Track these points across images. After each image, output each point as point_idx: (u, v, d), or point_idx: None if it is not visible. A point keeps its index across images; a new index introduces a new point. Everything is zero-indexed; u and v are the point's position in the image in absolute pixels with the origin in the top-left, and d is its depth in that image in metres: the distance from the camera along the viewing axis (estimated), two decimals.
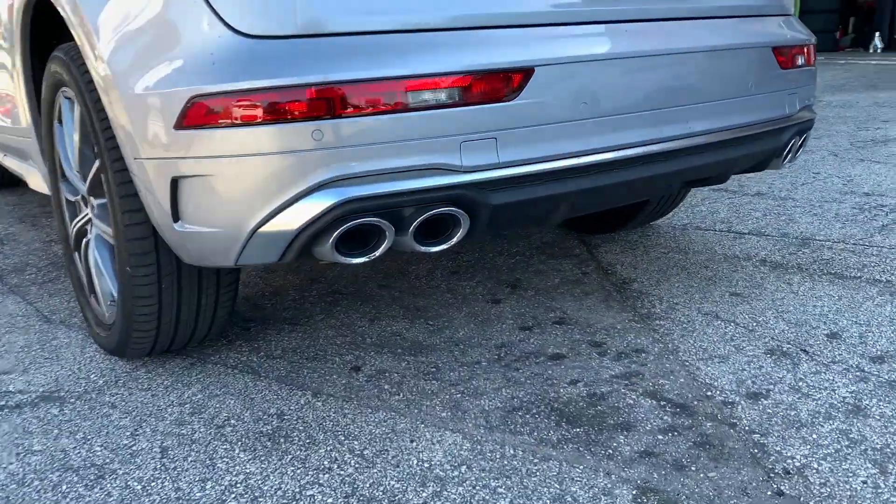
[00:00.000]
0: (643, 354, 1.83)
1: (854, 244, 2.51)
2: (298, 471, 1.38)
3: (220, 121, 1.29)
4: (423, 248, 1.42)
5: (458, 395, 1.66)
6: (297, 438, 1.49)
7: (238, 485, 1.35)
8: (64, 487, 1.36)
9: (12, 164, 2.73)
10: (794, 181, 3.40)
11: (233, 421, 1.56)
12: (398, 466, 1.39)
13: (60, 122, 1.93)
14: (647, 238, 2.74)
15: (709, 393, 1.63)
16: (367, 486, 1.33)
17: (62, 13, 1.61)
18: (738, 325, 1.95)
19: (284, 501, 1.29)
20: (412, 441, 1.47)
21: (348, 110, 1.28)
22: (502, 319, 2.08)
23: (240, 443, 1.48)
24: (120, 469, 1.40)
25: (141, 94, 1.38)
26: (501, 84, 1.38)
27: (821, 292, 2.12)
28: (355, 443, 1.47)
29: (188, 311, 1.71)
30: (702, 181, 1.98)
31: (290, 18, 1.28)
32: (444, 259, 2.60)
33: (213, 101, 1.29)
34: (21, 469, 1.42)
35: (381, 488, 1.33)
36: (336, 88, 1.27)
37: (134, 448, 1.47)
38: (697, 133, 1.67)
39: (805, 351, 1.78)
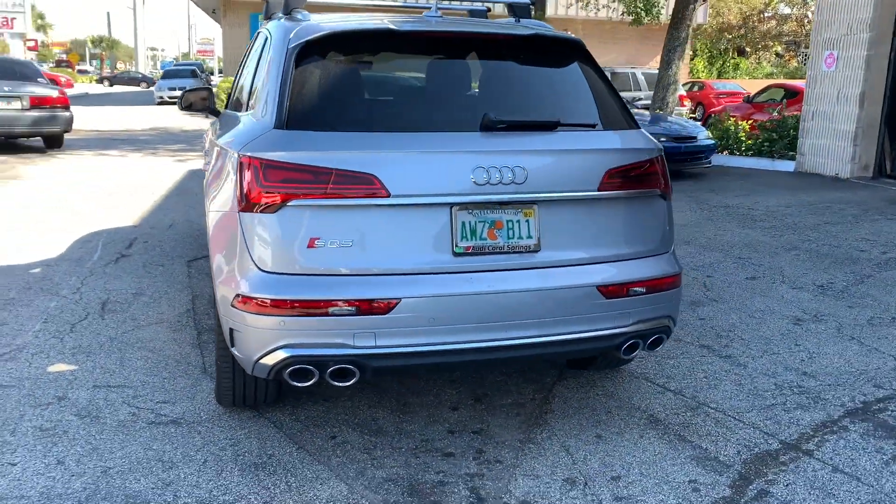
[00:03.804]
0: (501, 463, 2.93)
1: (728, 415, 3.32)
2: (256, 483, 2.73)
3: (246, 310, 2.69)
4: (335, 383, 2.71)
5: (370, 464, 2.90)
6: (269, 468, 2.83)
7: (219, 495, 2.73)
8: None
9: None
10: (778, 350, 4.10)
11: (246, 453, 2.95)
12: (290, 490, 2.68)
13: None
14: (605, 378, 3.72)
15: (504, 498, 2.71)
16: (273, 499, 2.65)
17: None
18: (572, 457, 2.96)
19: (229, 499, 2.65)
20: (320, 483, 2.75)
21: (298, 311, 2.62)
22: (447, 423, 3.25)
23: (240, 467, 2.86)
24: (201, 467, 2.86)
25: (218, 283, 2.85)
26: (380, 306, 2.64)
27: (650, 447, 3.04)
28: (291, 477, 2.78)
29: (250, 387, 3.15)
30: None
31: (284, 266, 2.65)
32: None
33: (252, 301, 2.68)
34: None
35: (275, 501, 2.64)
36: (291, 301, 2.62)
37: (195, 458, 2.92)
38: (517, 337, 2.76)
39: (586, 484, 2.78)
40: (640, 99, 17.96)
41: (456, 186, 2.71)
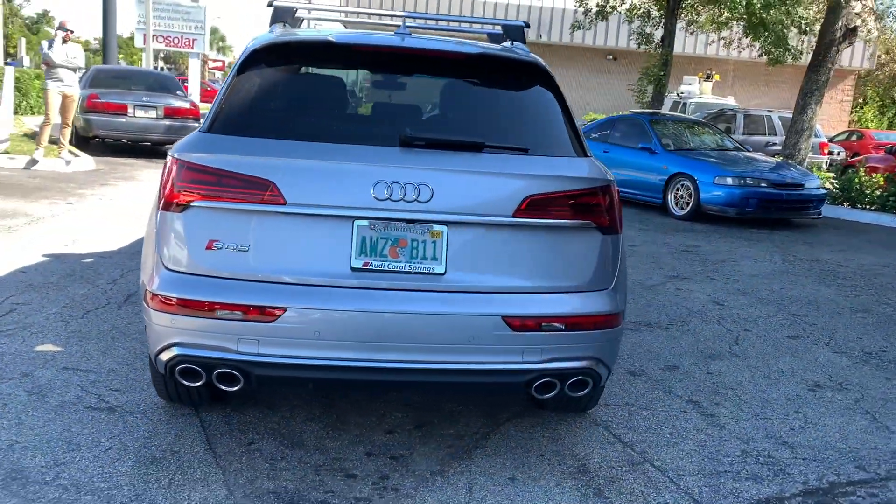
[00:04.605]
0: (396, 491, 2.81)
1: (667, 476, 3.01)
2: (140, 476, 2.77)
3: (151, 306, 2.76)
4: (221, 387, 2.71)
5: (265, 474, 2.87)
6: (164, 464, 2.87)
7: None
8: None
9: None
10: (771, 416, 3.69)
11: (154, 447, 3.00)
12: (169, 487, 2.69)
13: None
14: (561, 421, 3.49)
15: None
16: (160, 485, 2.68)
17: None
18: (471, 496, 2.80)
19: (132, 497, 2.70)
20: (202, 486, 2.75)
21: (188, 311, 2.65)
22: (371, 445, 3.17)
23: (138, 459, 2.91)
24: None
25: (140, 279, 2.94)
26: (267, 312, 2.62)
27: (558, 497, 2.82)
28: (179, 475, 2.80)
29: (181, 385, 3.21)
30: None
31: (184, 265, 2.70)
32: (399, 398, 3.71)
33: (156, 298, 2.75)
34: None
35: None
36: (182, 300, 2.66)
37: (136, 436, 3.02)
38: (411, 361, 2.65)
39: None
40: (774, 144, 16.92)
41: (357, 200, 2.67)
